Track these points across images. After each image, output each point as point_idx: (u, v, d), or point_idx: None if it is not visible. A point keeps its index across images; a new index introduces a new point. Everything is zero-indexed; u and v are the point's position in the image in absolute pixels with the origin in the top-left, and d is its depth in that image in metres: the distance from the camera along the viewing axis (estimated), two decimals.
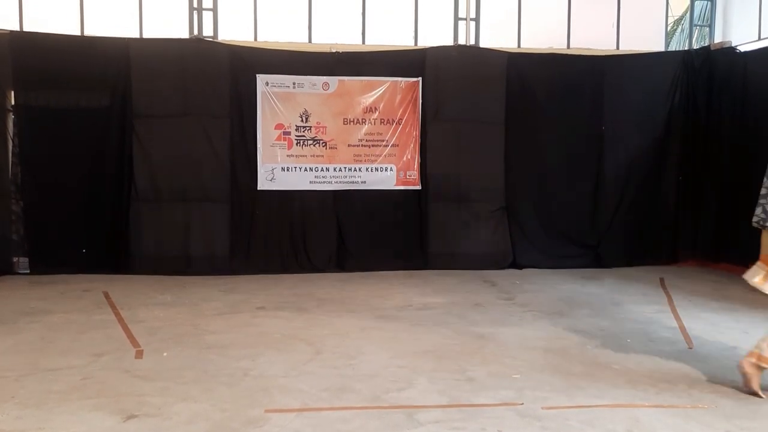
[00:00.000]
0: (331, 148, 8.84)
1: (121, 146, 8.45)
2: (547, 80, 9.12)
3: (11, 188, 8.35)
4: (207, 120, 8.56)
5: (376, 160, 8.93)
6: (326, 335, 5.58)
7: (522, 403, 4.01)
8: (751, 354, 4.19)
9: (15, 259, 8.37)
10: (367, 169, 8.92)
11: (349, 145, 8.88)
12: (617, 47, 9.68)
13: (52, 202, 8.33)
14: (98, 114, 8.45)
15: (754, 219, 7.97)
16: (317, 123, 8.80)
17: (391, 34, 9.37)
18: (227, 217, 8.65)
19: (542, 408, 3.94)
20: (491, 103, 9.03)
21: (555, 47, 9.46)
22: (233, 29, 9.15)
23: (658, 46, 9.86)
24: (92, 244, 8.44)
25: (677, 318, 6.25)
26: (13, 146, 8.34)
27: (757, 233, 7.90)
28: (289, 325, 5.92)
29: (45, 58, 8.22)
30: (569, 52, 9.41)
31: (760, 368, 4.13)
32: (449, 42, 9.37)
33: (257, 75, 8.64)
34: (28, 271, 8.29)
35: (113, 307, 6.57)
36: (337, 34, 9.24)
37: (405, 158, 8.98)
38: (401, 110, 8.93)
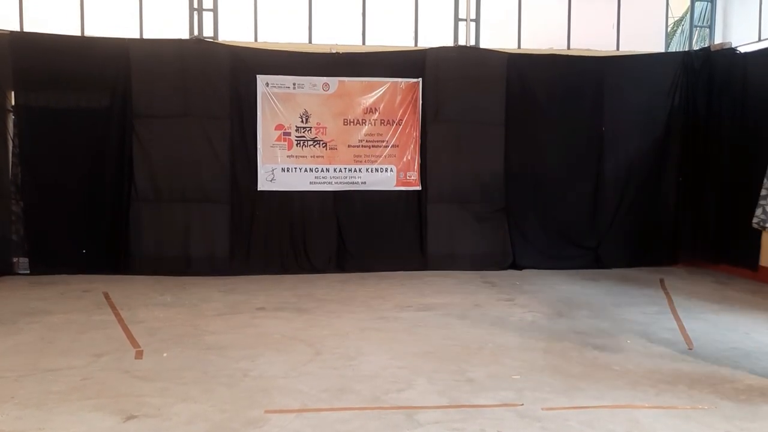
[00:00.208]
0: (331, 148, 8.84)
1: (121, 147, 8.45)
2: (547, 81, 9.12)
3: (11, 188, 8.35)
4: (207, 120, 8.56)
5: (376, 161, 8.93)
6: (326, 336, 5.58)
7: (522, 404, 4.01)
8: None
9: (15, 260, 8.37)
10: (367, 169, 8.92)
11: (349, 146, 8.88)
12: (617, 48, 9.67)
13: (52, 202, 8.33)
14: (98, 114, 8.45)
15: (755, 220, 7.97)
16: (317, 124, 8.80)
17: (391, 35, 9.36)
18: (227, 218, 8.65)
19: (542, 409, 3.94)
20: (491, 104, 9.03)
21: (555, 48, 9.45)
22: (233, 30, 9.14)
23: (658, 47, 9.86)
24: (92, 244, 8.43)
25: (677, 319, 6.25)
26: (13, 146, 8.34)
27: (757, 234, 7.93)
28: (288, 326, 5.92)
29: (45, 59, 8.22)
30: (569, 52, 9.41)
31: None
32: (449, 43, 9.37)
33: (257, 75, 8.64)
34: (28, 272, 8.29)
35: (113, 307, 6.57)
36: (337, 34, 9.24)
37: (405, 159, 8.98)
38: (401, 111, 8.93)
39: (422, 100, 8.92)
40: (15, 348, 5.17)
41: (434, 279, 8.33)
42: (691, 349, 5.27)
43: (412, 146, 8.98)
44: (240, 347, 5.22)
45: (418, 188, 9.00)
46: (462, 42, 9.39)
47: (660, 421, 3.77)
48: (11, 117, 8.39)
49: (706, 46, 9.71)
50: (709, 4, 10.03)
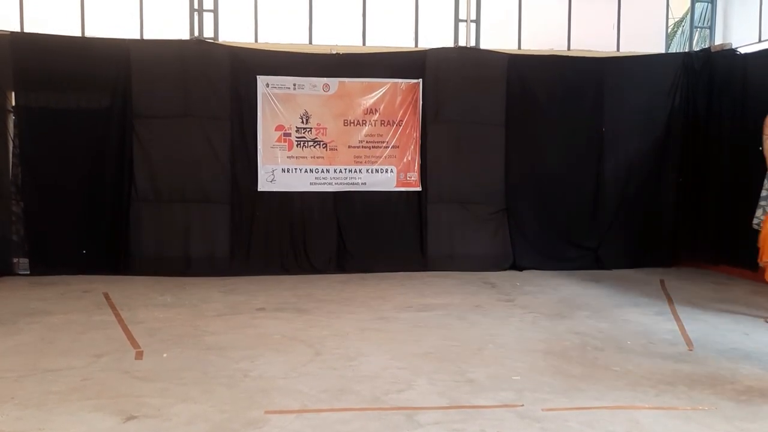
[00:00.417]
0: (331, 149, 8.84)
1: (121, 147, 8.45)
2: (548, 82, 9.13)
3: (11, 189, 8.36)
4: (207, 121, 8.56)
5: (376, 162, 8.93)
6: (326, 336, 5.58)
7: (522, 405, 4.01)
8: None
9: (15, 260, 8.37)
10: (367, 170, 8.92)
11: (349, 147, 8.88)
12: (617, 49, 9.68)
13: (53, 203, 8.33)
14: (99, 115, 8.46)
15: (755, 221, 7.96)
16: (318, 124, 8.80)
17: (391, 36, 9.37)
18: (227, 218, 8.65)
19: (542, 410, 3.93)
20: (491, 105, 9.03)
21: (555, 49, 9.46)
22: (234, 30, 9.15)
23: (658, 47, 9.87)
24: (92, 244, 8.43)
25: (677, 320, 6.25)
26: (13, 147, 8.35)
27: (757, 235, 7.89)
28: (288, 327, 5.92)
29: (46, 59, 8.22)
30: (570, 53, 9.42)
31: None
32: (450, 43, 9.37)
33: (258, 76, 8.64)
34: (29, 272, 8.29)
35: (113, 307, 6.57)
36: (337, 35, 9.25)
37: (405, 160, 8.99)
38: (401, 112, 8.93)
39: (422, 100, 8.92)
40: (15, 348, 5.16)
41: (434, 280, 8.33)
42: (691, 349, 5.26)
43: (412, 147, 8.98)
44: (240, 348, 5.21)
45: (419, 189, 9.01)
46: (462, 43, 9.40)
47: (660, 422, 3.77)
48: (11, 117, 8.39)
49: (706, 46, 9.72)
50: (710, 5, 10.04)
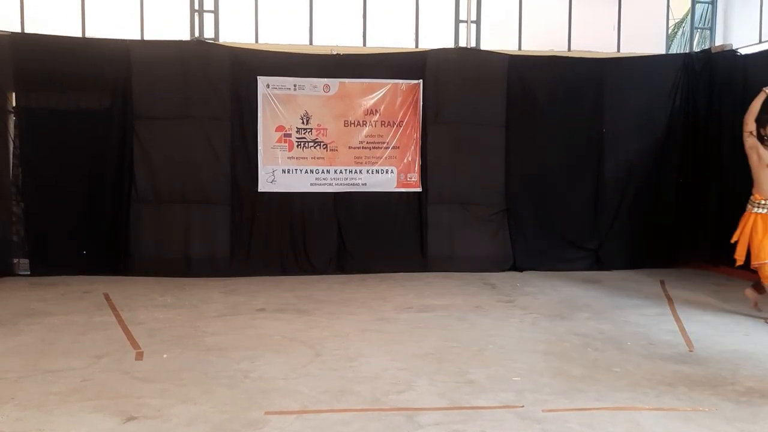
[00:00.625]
0: (331, 150, 8.84)
1: (121, 148, 8.45)
2: (548, 83, 9.13)
3: (12, 190, 8.36)
4: (208, 122, 8.56)
5: (376, 163, 8.93)
6: (326, 337, 5.58)
7: (522, 406, 4.00)
8: None
9: (15, 261, 8.37)
10: (367, 171, 8.92)
11: (349, 147, 8.88)
12: (618, 50, 9.68)
13: (53, 203, 8.33)
14: (99, 116, 8.46)
15: None
16: (318, 125, 8.80)
17: (391, 37, 9.37)
18: (228, 219, 8.65)
19: (542, 410, 3.93)
20: (492, 106, 9.03)
21: (556, 50, 9.46)
22: (234, 31, 9.15)
23: (658, 48, 9.87)
24: (93, 245, 8.43)
25: (677, 321, 6.25)
26: (14, 148, 8.35)
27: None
28: (289, 327, 5.91)
29: (46, 60, 8.22)
30: (570, 54, 9.43)
31: None
32: (450, 44, 9.38)
33: (258, 77, 8.65)
34: (29, 273, 8.29)
35: (113, 308, 6.57)
36: (338, 36, 9.25)
37: (405, 160, 8.99)
38: (402, 112, 8.93)
39: (423, 101, 8.92)
40: (15, 349, 5.16)
41: (435, 280, 8.33)
42: (691, 351, 5.26)
43: (412, 148, 8.99)
44: (240, 348, 5.21)
45: (419, 190, 9.01)
46: (463, 44, 9.40)
47: (660, 423, 3.77)
48: (12, 118, 8.39)
49: (706, 47, 9.72)
50: (710, 5, 10.04)
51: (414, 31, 9.45)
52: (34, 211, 8.34)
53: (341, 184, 8.88)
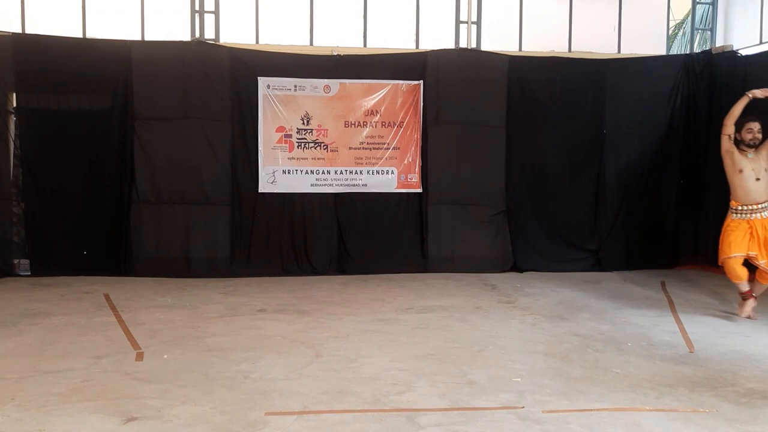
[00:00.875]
0: (332, 150, 8.85)
1: (122, 148, 8.45)
2: (549, 83, 9.13)
3: (12, 190, 8.35)
4: (208, 122, 8.56)
5: (377, 163, 8.93)
6: (326, 338, 5.57)
7: (523, 407, 4.00)
8: None
9: (16, 261, 8.37)
10: (368, 171, 8.92)
11: (350, 148, 8.88)
12: (618, 51, 9.69)
13: (53, 204, 8.33)
14: (99, 116, 8.46)
15: None
16: (318, 126, 8.80)
17: (392, 37, 9.38)
18: (228, 220, 8.65)
19: (543, 411, 3.93)
20: (492, 107, 9.03)
21: (556, 50, 9.47)
22: (235, 32, 9.16)
23: (659, 49, 9.87)
24: (93, 246, 8.43)
25: (678, 322, 6.25)
26: (14, 148, 8.34)
27: None
28: (289, 328, 5.91)
29: (46, 60, 8.22)
30: (570, 55, 9.43)
31: None
32: (450, 45, 9.38)
33: (258, 78, 8.65)
34: (29, 273, 8.29)
35: (114, 309, 6.57)
36: (338, 36, 9.26)
37: (406, 161, 8.99)
38: (402, 113, 8.94)
39: (423, 102, 8.92)
40: (15, 350, 5.16)
41: (435, 281, 8.33)
42: (692, 352, 5.26)
43: (413, 148, 8.99)
44: (240, 349, 5.21)
45: (419, 190, 9.01)
46: (463, 44, 9.41)
47: (661, 425, 3.76)
48: (12, 118, 8.40)
49: (707, 48, 9.72)
50: (711, 6, 10.05)
51: (414, 31, 9.46)
52: (35, 212, 8.34)
53: (342, 184, 8.88)
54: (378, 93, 8.87)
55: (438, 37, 9.44)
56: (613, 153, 9.24)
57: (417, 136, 8.98)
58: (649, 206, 9.31)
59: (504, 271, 8.97)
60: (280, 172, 8.75)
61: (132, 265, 8.42)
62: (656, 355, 5.13)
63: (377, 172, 8.94)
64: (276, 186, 8.74)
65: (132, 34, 8.86)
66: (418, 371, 4.68)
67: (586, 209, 9.28)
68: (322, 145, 8.82)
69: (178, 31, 9.02)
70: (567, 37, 9.62)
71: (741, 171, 6.23)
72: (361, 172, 8.91)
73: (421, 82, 8.91)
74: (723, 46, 9.38)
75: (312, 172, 8.81)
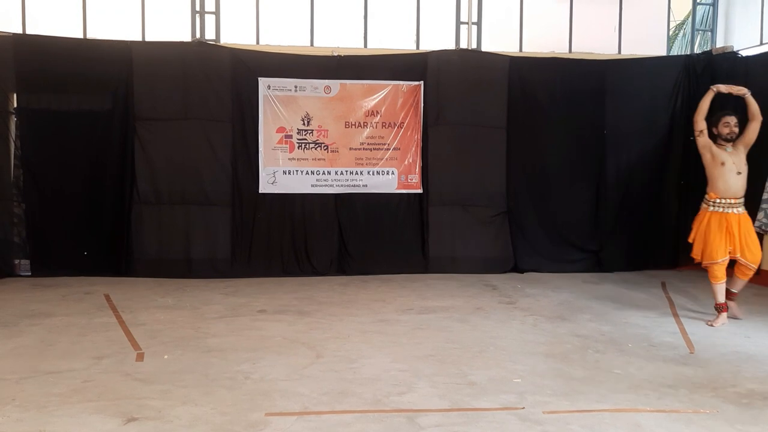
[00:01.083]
0: (332, 151, 8.85)
1: (122, 149, 8.45)
2: (549, 84, 9.12)
3: (13, 191, 8.35)
4: (208, 123, 8.56)
5: (377, 164, 8.93)
6: (327, 339, 5.58)
7: (523, 408, 4.00)
8: None
9: (17, 262, 8.36)
10: (368, 172, 8.92)
11: (350, 149, 8.88)
12: (619, 51, 9.67)
13: (54, 204, 8.33)
14: (100, 117, 8.46)
15: (756, 224, 7.97)
16: (319, 126, 8.80)
17: (393, 38, 9.37)
18: (228, 221, 8.65)
19: (543, 412, 3.93)
20: (493, 107, 9.03)
21: (557, 51, 9.46)
22: (235, 32, 9.15)
23: (660, 50, 9.86)
24: (94, 246, 8.43)
25: (679, 323, 6.25)
26: (15, 149, 8.35)
27: (758, 238, 7.86)
28: (290, 329, 5.91)
29: (47, 61, 8.22)
30: (571, 56, 9.42)
31: None
32: (451, 46, 9.37)
33: (259, 78, 8.65)
34: (30, 274, 8.29)
35: (114, 309, 6.57)
36: (339, 37, 9.25)
37: (406, 162, 8.98)
38: (403, 114, 8.93)
39: (424, 103, 8.92)
40: (16, 350, 5.17)
41: (435, 282, 8.33)
42: (692, 352, 5.26)
43: (413, 149, 8.99)
44: (241, 350, 5.21)
45: (420, 191, 9.00)
46: (464, 45, 9.40)
47: (662, 425, 3.76)
48: (13, 119, 8.40)
49: (707, 49, 9.71)
50: (711, 7, 10.04)
51: (415, 32, 9.45)
52: (35, 212, 8.34)
53: (342, 185, 8.88)
54: (378, 94, 8.87)
55: (438, 38, 9.43)
56: (614, 154, 9.24)
57: (417, 136, 8.98)
58: (650, 207, 9.30)
59: (505, 272, 8.97)
60: (280, 173, 8.75)
61: (132, 265, 8.42)
62: (657, 356, 5.13)
63: (378, 173, 8.94)
64: (276, 186, 8.74)
65: (133, 35, 8.85)
66: (419, 372, 4.68)
67: (587, 210, 9.28)
68: (323, 145, 8.82)
69: (179, 32, 9.01)
70: (567, 38, 9.61)
71: (723, 164, 6.25)
72: (361, 173, 8.90)
73: (422, 82, 8.90)
74: (723, 47, 9.38)
75: (312, 172, 8.81)
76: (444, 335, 5.74)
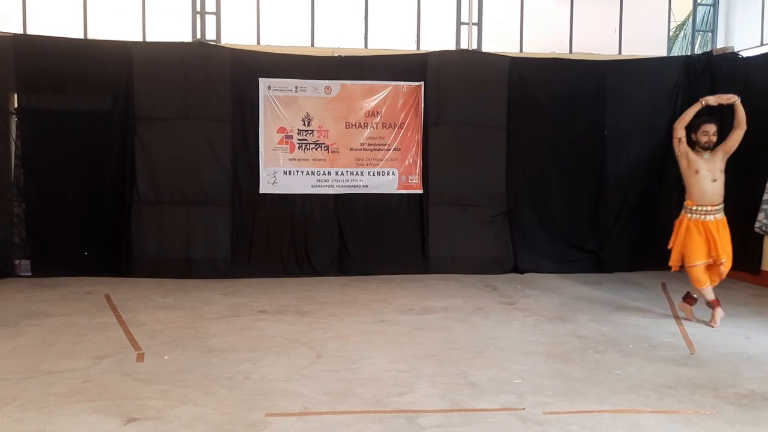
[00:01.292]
0: (333, 152, 8.85)
1: (123, 149, 8.45)
2: (549, 84, 9.12)
3: (13, 191, 8.36)
4: (209, 123, 8.56)
5: (377, 164, 8.93)
6: (327, 339, 5.57)
7: (523, 408, 4.00)
8: None
9: (17, 262, 8.37)
10: (368, 173, 8.92)
11: (351, 149, 8.88)
12: (619, 52, 9.67)
13: (54, 204, 8.34)
14: (100, 117, 8.46)
15: (756, 224, 7.97)
16: (319, 127, 8.81)
17: (393, 39, 9.37)
18: (229, 221, 8.65)
19: (543, 413, 3.93)
20: (493, 108, 9.03)
21: (557, 52, 9.46)
22: (236, 33, 9.15)
23: (660, 51, 9.86)
24: (94, 246, 8.43)
25: (679, 323, 6.25)
26: (15, 149, 8.35)
27: (759, 239, 7.90)
28: (290, 329, 5.91)
29: (48, 61, 8.22)
30: (571, 56, 9.42)
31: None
32: (451, 46, 9.38)
33: (259, 79, 8.65)
34: (30, 274, 8.29)
35: (114, 309, 6.57)
36: (339, 38, 9.25)
37: (407, 162, 8.98)
38: (403, 114, 8.94)
39: (424, 103, 8.92)
40: (16, 350, 5.17)
41: (436, 282, 8.33)
42: (692, 353, 5.26)
43: (413, 149, 8.99)
44: (241, 350, 5.21)
45: (420, 191, 9.01)
46: (464, 46, 9.40)
47: (662, 426, 3.76)
48: (14, 119, 8.40)
49: (708, 50, 9.71)
50: (711, 8, 10.04)
51: (415, 33, 9.45)
52: (36, 212, 8.34)
53: (342, 185, 8.88)
54: (379, 94, 8.87)
55: (439, 38, 9.43)
56: (614, 154, 9.23)
57: (418, 137, 8.98)
58: (650, 207, 9.30)
59: (505, 272, 8.97)
60: (280, 173, 8.75)
61: (133, 265, 8.42)
62: (657, 357, 5.13)
63: (378, 173, 8.94)
64: (277, 187, 8.75)
65: (133, 35, 8.85)
66: (419, 372, 4.68)
67: (587, 210, 9.28)
68: (323, 146, 8.83)
69: (180, 32, 9.02)
70: (568, 38, 9.61)
71: (697, 172, 6.24)
72: (361, 173, 8.90)
73: (422, 83, 8.90)
74: (724, 48, 9.38)
75: (313, 173, 8.81)
76: (444, 335, 5.74)
